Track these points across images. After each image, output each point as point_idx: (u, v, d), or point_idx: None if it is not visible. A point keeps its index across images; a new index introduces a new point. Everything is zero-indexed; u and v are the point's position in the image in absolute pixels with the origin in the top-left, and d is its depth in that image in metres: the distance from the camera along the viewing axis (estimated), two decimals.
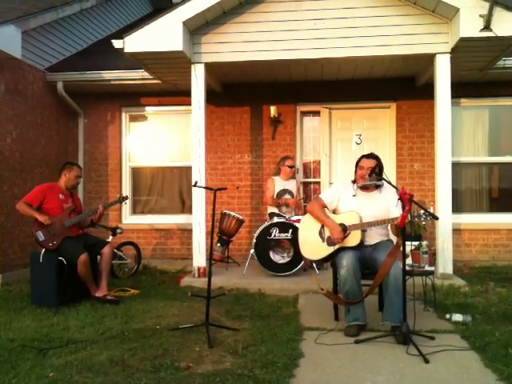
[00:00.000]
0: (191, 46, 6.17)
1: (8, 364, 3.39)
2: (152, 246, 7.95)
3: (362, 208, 4.22)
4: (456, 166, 7.16)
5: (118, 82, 7.52)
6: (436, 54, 5.95)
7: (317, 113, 7.91)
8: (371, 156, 4.35)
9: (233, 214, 6.53)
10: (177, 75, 6.87)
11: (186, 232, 7.64)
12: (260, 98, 7.77)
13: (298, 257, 5.88)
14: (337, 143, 7.89)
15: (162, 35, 5.87)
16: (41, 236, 5.03)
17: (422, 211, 3.89)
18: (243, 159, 7.87)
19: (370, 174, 4.18)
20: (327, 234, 4.27)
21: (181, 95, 7.44)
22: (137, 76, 7.32)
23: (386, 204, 4.20)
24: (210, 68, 6.47)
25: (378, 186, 4.35)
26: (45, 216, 5.04)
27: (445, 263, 5.90)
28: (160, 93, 7.82)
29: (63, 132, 7.98)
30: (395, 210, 4.05)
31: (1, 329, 4.24)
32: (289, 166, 6.74)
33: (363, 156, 4.41)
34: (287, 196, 6.70)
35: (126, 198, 5.92)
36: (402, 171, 7.60)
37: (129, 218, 8.14)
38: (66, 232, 5.17)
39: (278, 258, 6.06)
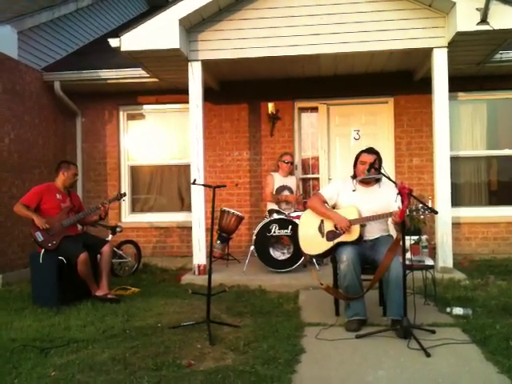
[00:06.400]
0: (188, 44, 6.16)
1: (10, 364, 3.40)
2: (152, 244, 7.95)
3: (361, 203, 4.23)
4: (455, 160, 7.15)
5: (115, 81, 7.50)
6: (433, 48, 5.95)
7: (315, 109, 7.90)
8: (371, 151, 4.36)
9: (232, 210, 6.53)
10: (174, 73, 6.86)
11: (186, 230, 7.63)
12: (258, 94, 7.76)
13: (298, 253, 5.88)
14: (335, 139, 7.88)
15: (158, 33, 5.86)
16: (40, 237, 5.02)
17: (421, 205, 3.89)
18: (242, 156, 7.86)
19: (369, 169, 4.18)
20: (327, 229, 4.28)
21: (178, 93, 7.42)
22: (134, 74, 7.31)
23: (385, 198, 4.20)
24: (207, 65, 6.46)
25: (377, 181, 4.37)
26: (42, 220, 5.02)
27: (445, 257, 5.91)
28: (157, 91, 7.80)
29: (61, 132, 7.97)
30: (394, 205, 4.05)
31: (2, 329, 4.24)
32: (285, 162, 6.76)
33: (363, 151, 4.41)
34: (286, 192, 6.70)
35: (124, 194, 5.88)
36: (401, 166, 7.60)
37: (128, 217, 8.14)
38: (65, 231, 5.17)
39: (278, 254, 6.07)
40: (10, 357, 3.54)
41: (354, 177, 4.41)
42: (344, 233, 4.17)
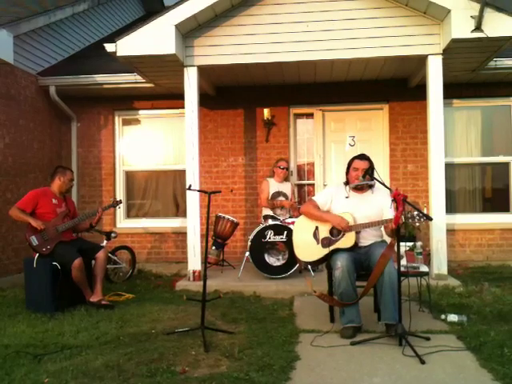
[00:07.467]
0: (184, 49, 6.17)
1: (3, 370, 3.37)
2: (147, 250, 7.92)
3: (355, 209, 4.24)
4: (449, 167, 7.20)
5: (110, 86, 7.49)
6: (428, 55, 5.97)
7: (310, 115, 7.92)
8: (363, 157, 4.37)
9: (227, 216, 6.53)
10: (170, 78, 6.86)
11: (181, 235, 7.62)
12: (253, 100, 7.78)
13: (293, 259, 5.86)
14: (330, 145, 7.90)
15: (154, 38, 5.86)
16: (34, 241, 5.00)
17: (416, 212, 3.90)
18: (237, 162, 7.86)
19: (364, 175, 4.19)
20: (322, 235, 4.28)
21: (174, 98, 7.43)
22: (129, 79, 7.30)
23: (379, 204, 4.22)
24: (203, 71, 6.47)
25: (370, 187, 4.38)
26: (38, 221, 5.02)
27: (439, 264, 5.91)
28: (153, 96, 7.81)
29: (56, 136, 7.96)
30: (389, 212, 4.06)
31: None
32: (280, 168, 6.77)
33: (355, 157, 4.42)
34: (281, 198, 6.70)
35: (120, 202, 5.88)
36: (396, 172, 7.62)
37: (123, 222, 8.11)
38: (60, 237, 5.14)
39: (273, 260, 6.06)
40: (2, 363, 3.51)
41: (347, 183, 4.42)
42: (343, 235, 4.17)
